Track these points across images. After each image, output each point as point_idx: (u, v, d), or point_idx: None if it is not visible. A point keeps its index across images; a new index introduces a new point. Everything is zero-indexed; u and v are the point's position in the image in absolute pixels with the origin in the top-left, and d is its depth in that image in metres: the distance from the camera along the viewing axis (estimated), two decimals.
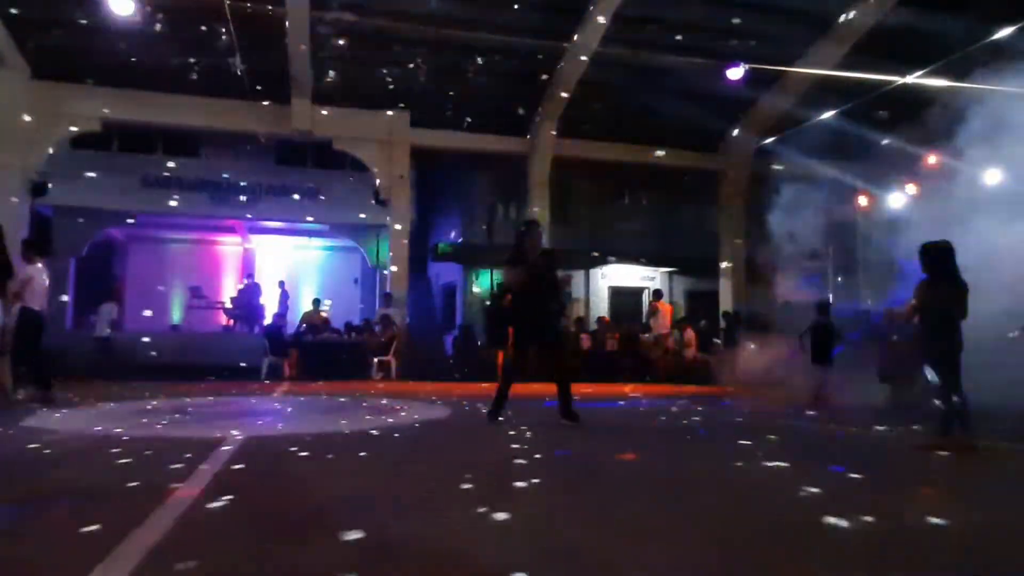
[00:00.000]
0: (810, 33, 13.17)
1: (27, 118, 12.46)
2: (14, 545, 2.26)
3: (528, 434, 5.03)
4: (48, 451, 4.18)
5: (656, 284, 17.90)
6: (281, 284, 16.16)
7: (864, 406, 7.25)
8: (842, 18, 12.59)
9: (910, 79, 11.47)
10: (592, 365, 12.89)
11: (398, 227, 14.41)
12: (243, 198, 15.56)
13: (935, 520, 2.62)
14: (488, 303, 15.00)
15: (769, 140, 14.81)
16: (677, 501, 3.07)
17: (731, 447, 4.61)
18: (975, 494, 3.43)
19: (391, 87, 13.56)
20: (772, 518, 2.73)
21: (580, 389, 7.47)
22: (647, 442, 5.10)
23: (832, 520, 2.53)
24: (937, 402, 4.52)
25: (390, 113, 14.30)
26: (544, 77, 13.78)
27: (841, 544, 2.36)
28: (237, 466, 3.71)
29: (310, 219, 16.08)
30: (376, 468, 3.80)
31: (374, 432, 5.23)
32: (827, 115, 12.84)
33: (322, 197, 15.95)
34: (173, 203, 15.12)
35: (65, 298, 14.39)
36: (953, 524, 2.59)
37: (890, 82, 11.72)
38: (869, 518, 2.60)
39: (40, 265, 7.42)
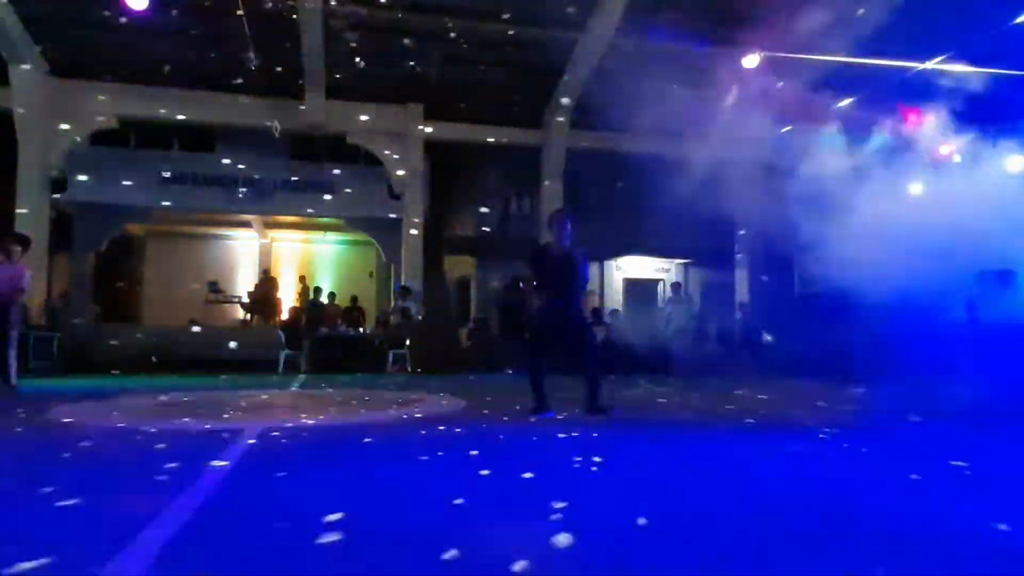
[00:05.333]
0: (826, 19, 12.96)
1: (45, 115, 12.61)
2: (40, 532, 2.29)
3: (551, 427, 5.03)
4: (71, 442, 4.23)
5: (671, 275, 17.80)
6: (302, 279, 16.31)
7: None
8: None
9: (929, 65, 11.28)
10: (607, 358, 12.83)
11: (412, 220, 14.42)
12: (258, 193, 15.65)
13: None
14: (504, 294, 14.98)
15: (786, 128, 14.62)
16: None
17: None
18: None
19: (404, 80, 13.55)
20: None
21: None
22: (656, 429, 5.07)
23: None
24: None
25: (403, 106, 14.29)
26: (557, 68, 13.70)
27: None
28: (255, 458, 3.74)
29: (325, 214, 16.14)
30: (392, 459, 3.81)
31: (390, 424, 5.25)
32: (846, 102, 12.65)
33: (336, 191, 16.00)
34: (190, 199, 15.24)
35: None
36: None
37: (909, 68, 11.52)
38: None
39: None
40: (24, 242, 7.66)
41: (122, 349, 12.86)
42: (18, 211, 12.38)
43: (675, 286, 15.76)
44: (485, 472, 3.25)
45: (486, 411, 6.09)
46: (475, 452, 3.88)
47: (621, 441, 4.45)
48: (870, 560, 2.04)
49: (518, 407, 5.94)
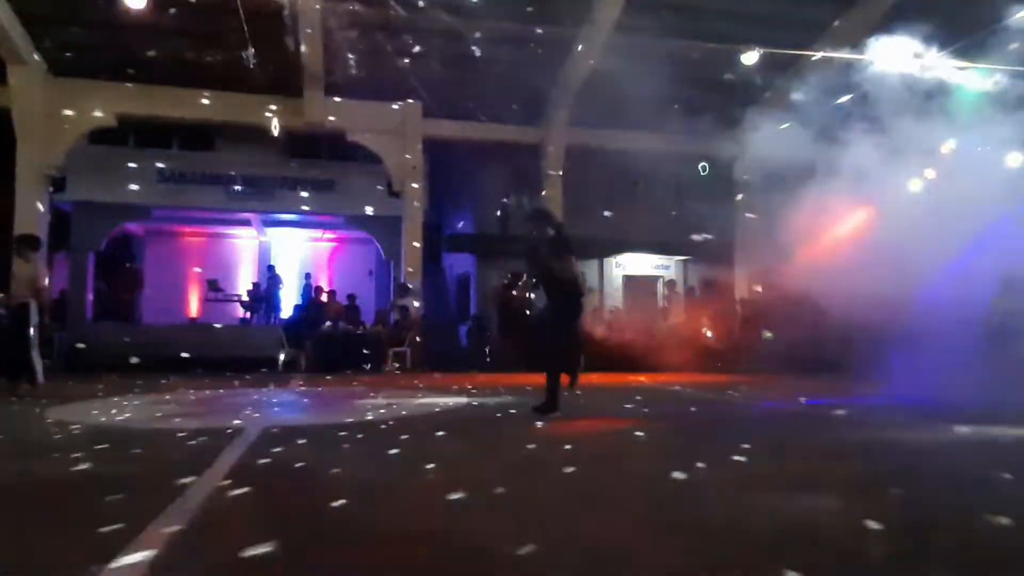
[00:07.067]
0: (827, 15, 12.96)
1: (44, 114, 12.60)
2: (42, 532, 2.30)
3: (547, 425, 5.03)
4: (74, 442, 4.24)
5: (671, 272, 17.81)
6: (307, 276, 16.32)
7: None
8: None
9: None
10: (609, 355, 12.86)
11: (411, 218, 14.43)
12: (257, 191, 15.64)
13: None
14: (500, 294, 14.98)
15: (786, 125, 14.60)
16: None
17: None
18: None
19: (403, 78, 13.52)
20: None
21: None
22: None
23: None
24: None
25: (402, 104, 14.28)
26: (557, 65, 13.68)
27: None
28: (255, 456, 3.74)
29: (324, 212, 16.14)
30: (392, 457, 3.82)
31: (390, 422, 5.25)
32: (844, 99, 12.63)
33: (336, 189, 15.99)
34: (189, 197, 15.24)
35: None
36: None
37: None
38: None
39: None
40: (35, 243, 7.68)
41: (120, 348, 12.84)
42: (17, 210, 12.36)
43: (670, 283, 15.81)
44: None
45: (496, 411, 6.09)
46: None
47: None
48: None
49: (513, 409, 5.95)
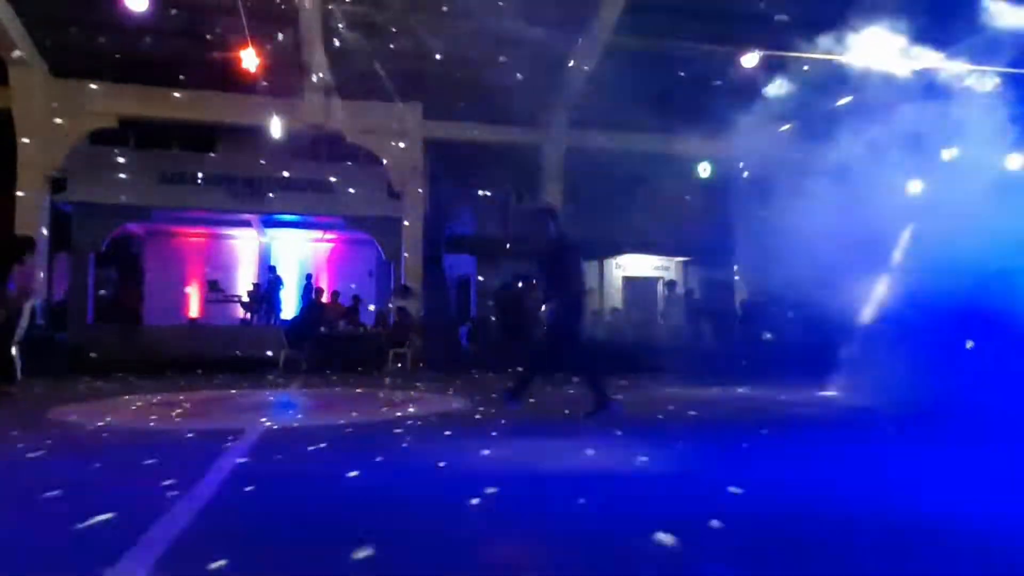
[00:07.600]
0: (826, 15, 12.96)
1: (45, 115, 12.61)
2: (47, 533, 2.31)
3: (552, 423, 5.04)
4: (76, 443, 4.26)
5: (671, 274, 17.83)
6: (308, 277, 16.34)
7: None
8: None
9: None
10: (609, 356, 12.85)
11: (411, 219, 14.44)
12: (258, 192, 15.65)
13: None
14: (503, 293, 14.98)
15: (786, 127, 14.61)
16: None
17: None
18: None
19: (404, 79, 13.55)
20: None
21: None
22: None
23: None
24: None
25: (403, 105, 14.29)
26: (557, 67, 13.70)
27: None
28: (258, 457, 3.76)
29: (324, 213, 16.15)
30: (392, 459, 3.84)
31: (391, 422, 5.27)
32: (844, 100, 12.65)
33: (336, 191, 16.01)
34: (189, 198, 15.26)
35: None
36: None
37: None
38: None
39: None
40: (31, 245, 7.69)
41: (121, 349, 12.85)
42: (18, 211, 12.38)
43: (670, 284, 15.83)
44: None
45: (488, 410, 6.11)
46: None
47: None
48: None
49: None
